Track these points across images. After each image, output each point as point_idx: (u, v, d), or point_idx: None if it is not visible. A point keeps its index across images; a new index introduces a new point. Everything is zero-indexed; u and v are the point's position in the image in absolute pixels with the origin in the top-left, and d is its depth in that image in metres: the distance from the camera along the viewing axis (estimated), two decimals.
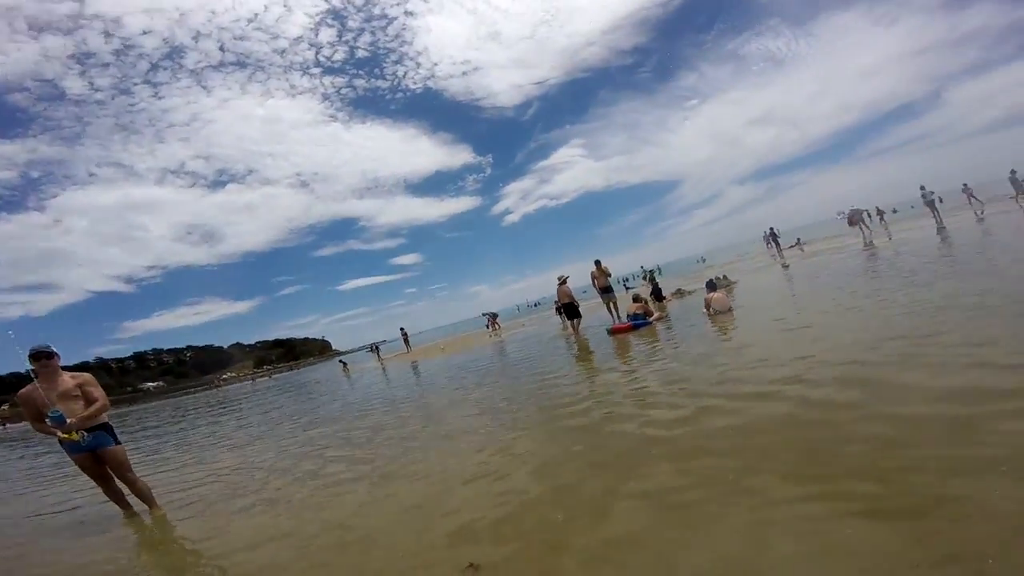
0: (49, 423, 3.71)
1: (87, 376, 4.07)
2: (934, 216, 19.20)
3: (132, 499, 4.27)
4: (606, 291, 12.63)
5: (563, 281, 13.15)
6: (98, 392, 4.04)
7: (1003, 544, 1.59)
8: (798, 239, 29.57)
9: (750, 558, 1.80)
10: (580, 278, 13.70)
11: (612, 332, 10.41)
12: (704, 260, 48.48)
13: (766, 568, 1.74)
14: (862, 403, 3.08)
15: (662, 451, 3.10)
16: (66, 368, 4.03)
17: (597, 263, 12.54)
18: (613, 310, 12.55)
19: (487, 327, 26.91)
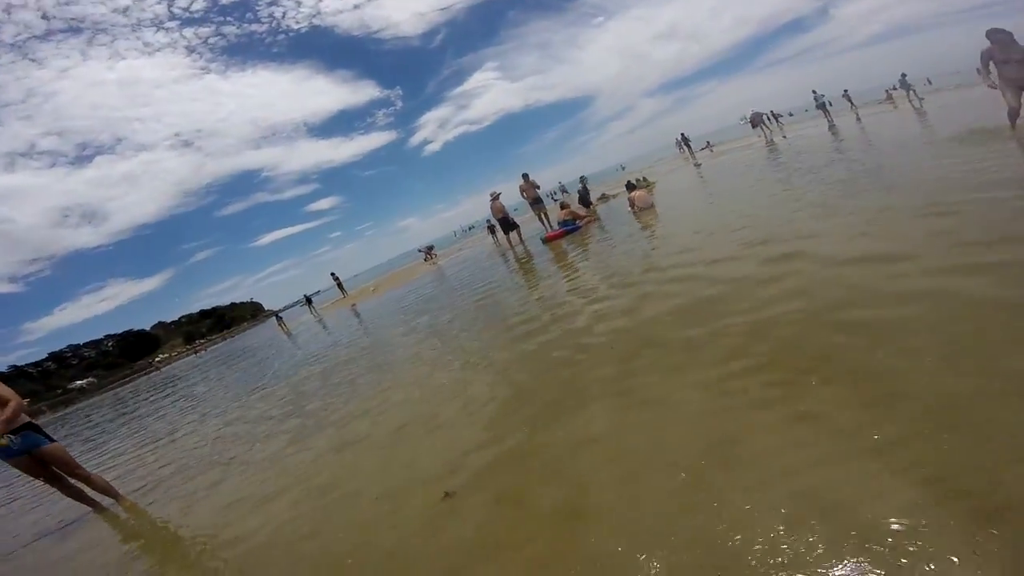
0: None
1: None
2: (826, 117, 20.77)
3: (98, 496, 4.10)
4: (536, 202, 12.76)
5: (495, 197, 13.05)
6: (7, 392, 3.81)
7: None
8: (708, 142, 31.03)
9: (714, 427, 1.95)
10: (511, 197, 13.65)
11: (546, 240, 10.65)
12: (623, 168, 50.85)
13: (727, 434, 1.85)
14: (775, 276, 3.38)
15: (611, 342, 3.27)
16: None
17: (524, 176, 12.51)
18: (545, 220, 12.78)
19: (425, 259, 26.65)
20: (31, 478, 3.95)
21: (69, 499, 4.11)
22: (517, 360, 3.69)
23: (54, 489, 4.07)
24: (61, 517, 4.30)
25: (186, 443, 5.67)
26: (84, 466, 4.14)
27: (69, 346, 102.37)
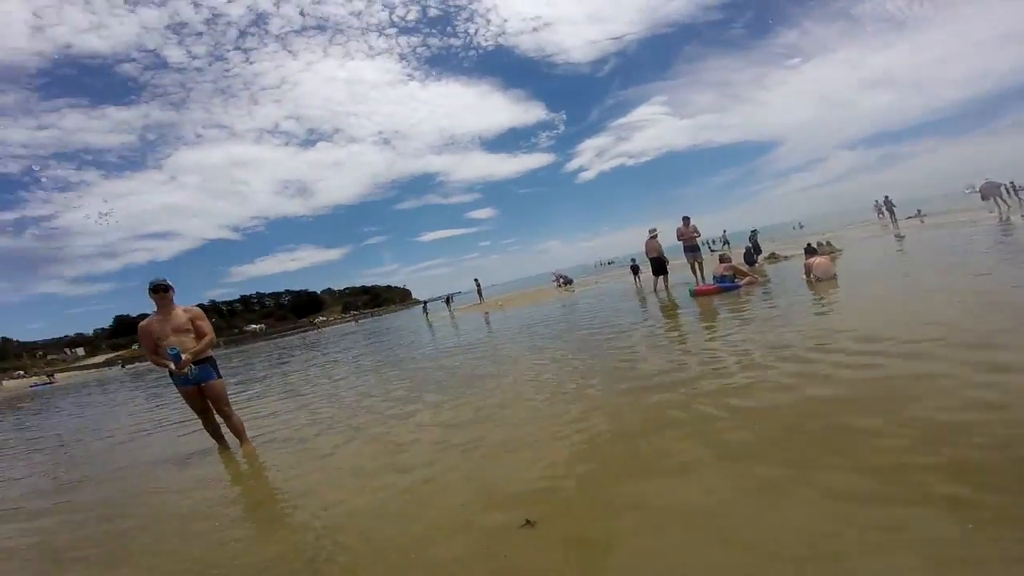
0: (169, 355, 3.95)
1: (197, 311, 4.26)
2: None
3: (228, 435, 4.45)
4: (692, 250, 11.90)
5: (654, 235, 12.50)
6: (207, 326, 4.25)
7: None
8: (918, 210, 25.73)
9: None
10: (662, 239, 12.98)
11: (695, 293, 9.81)
12: (801, 226, 44.68)
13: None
14: (980, 384, 2.61)
15: (744, 419, 2.79)
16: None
17: (686, 219, 11.79)
18: (698, 271, 11.83)
19: (557, 286, 26.83)
20: (187, 407, 4.34)
21: (204, 431, 4.46)
22: (637, 410, 3.40)
23: (197, 420, 4.45)
24: (189, 447, 4.84)
25: (319, 403, 6.20)
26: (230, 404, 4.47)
27: (256, 293, 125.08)
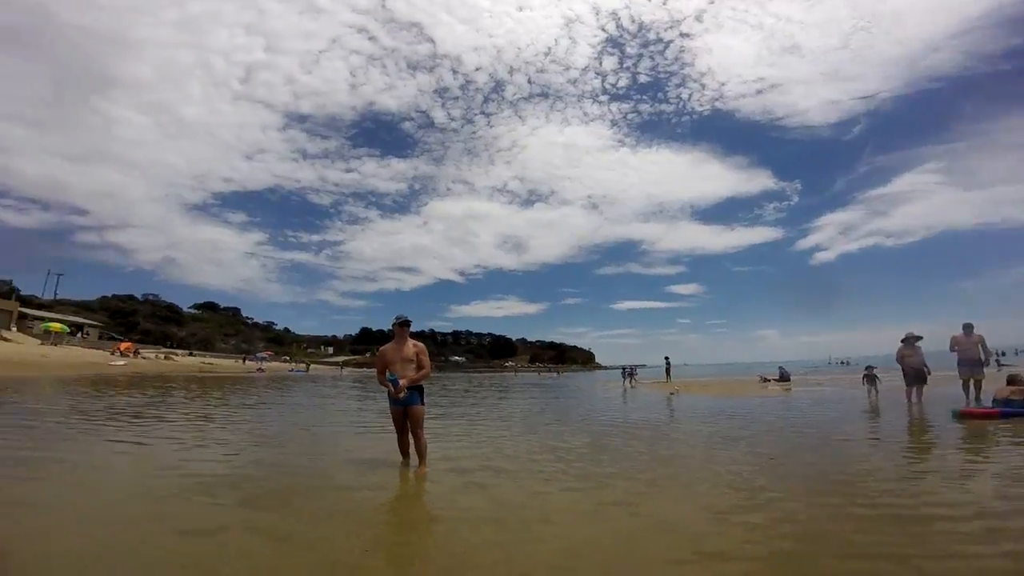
0: (389, 380, 4.63)
1: (422, 347, 4.88)
2: None
3: (413, 455, 4.86)
4: (970, 364, 9.10)
5: (914, 341, 10.03)
6: (427, 361, 4.88)
7: None
8: None
9: None
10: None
11: (962, 414, 7.34)
12: None
13: None
14: None
15: None
16: (411, 335, 4.93)
17: (967, 328, 9.18)
18: (974, 389, 8.93)
19: (763, 382, 22.95)
20: (390, 423, 4.92)
21: (396, 446, 4.94)
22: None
23: (394, 435, 4.95)
24: (375, 455, 5.34)
25: (497, 442, 6.40)
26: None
27: (466, 331, 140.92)
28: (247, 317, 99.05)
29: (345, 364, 67.41)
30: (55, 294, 60.80)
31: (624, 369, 25.14)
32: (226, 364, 46.55)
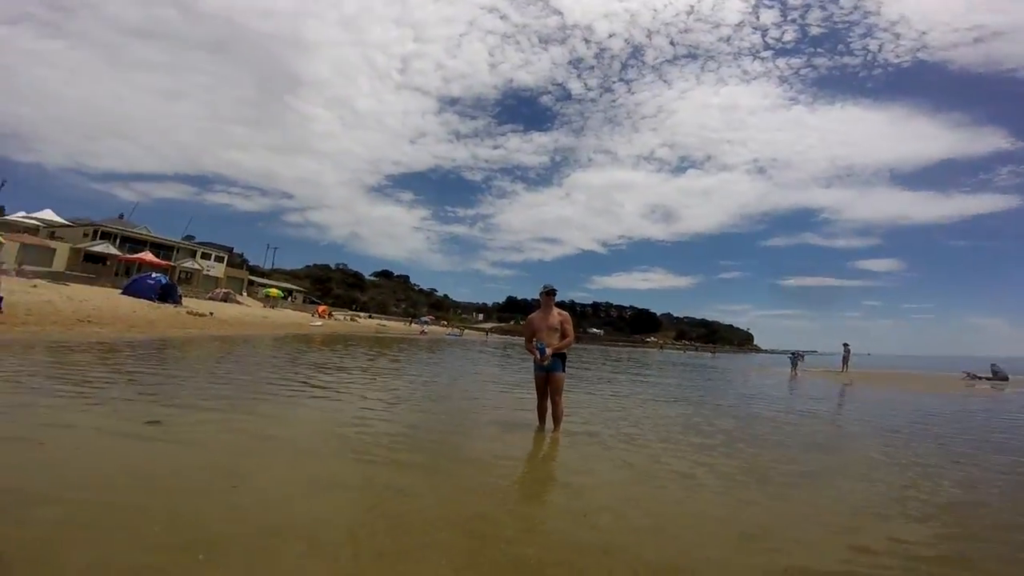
0: (536, 347, 4.90)
1: (567, 316, 5.05)
2: None
3: (550, 419, 5.12)
4: None
5: None
6: (571, 330, 5.06)
7: None
8: None
9: None
10: None
11: None
12: None
13: None
14: None
15: None
16: (555, 305, 5.15)
17: None
18: None
19: (967, 379, 18.52)
20: (533, 388, 5.22)
21: (535, 410, 5.24)
22: None
23: (535, 400, 5.25)
24: (515, 419, 5.69)
25: (627, 416, 6.37)
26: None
27: (606, 303, 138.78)
28: (414, 284, 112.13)
29: (491, 331, 72.42)
30: (272, 264, 76.39)
31: (793, 355, 22.28)
32: (396, 326, 53.18)
